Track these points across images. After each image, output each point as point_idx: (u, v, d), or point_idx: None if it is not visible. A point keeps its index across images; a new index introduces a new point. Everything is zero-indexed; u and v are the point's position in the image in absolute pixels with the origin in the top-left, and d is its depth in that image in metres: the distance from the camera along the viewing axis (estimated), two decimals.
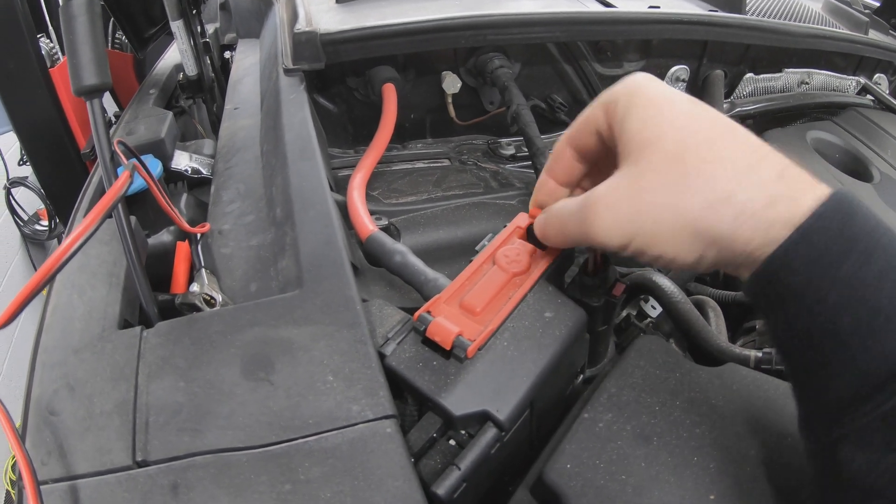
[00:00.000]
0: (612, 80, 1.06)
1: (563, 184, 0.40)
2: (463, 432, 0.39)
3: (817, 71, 1.19)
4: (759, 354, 0.55)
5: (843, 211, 0.28)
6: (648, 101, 0.32)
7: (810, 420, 0.31)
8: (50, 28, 1.38)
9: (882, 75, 1.28)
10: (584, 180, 0.40)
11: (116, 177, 0.43)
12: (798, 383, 0.31)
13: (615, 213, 0.32)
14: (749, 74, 1.13)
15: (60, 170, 1.23)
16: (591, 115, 0.36)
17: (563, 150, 0.39)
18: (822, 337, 0.28)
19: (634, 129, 0.32)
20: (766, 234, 0.28)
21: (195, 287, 0.52)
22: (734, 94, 1.14)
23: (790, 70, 1.16)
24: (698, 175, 0.29)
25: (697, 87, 1.09)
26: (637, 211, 0.31)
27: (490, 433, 0.38)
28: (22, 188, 1.89)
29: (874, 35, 1.25)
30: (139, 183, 0.51)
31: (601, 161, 0.38)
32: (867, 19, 1.23)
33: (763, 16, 1.12)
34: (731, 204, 0.29)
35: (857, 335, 0.27)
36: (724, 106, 1.07)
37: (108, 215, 0.38)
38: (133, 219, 0.52)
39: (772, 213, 0.28)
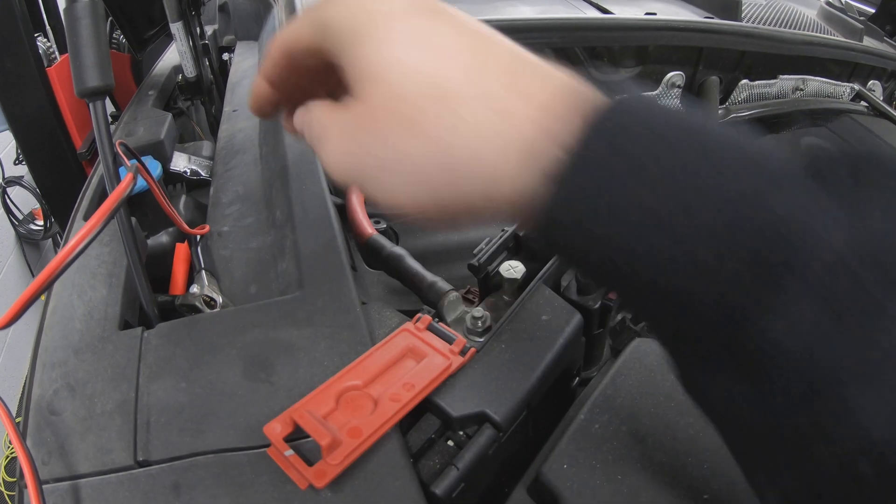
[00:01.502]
0: (608, 85, 1.06)
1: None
2: (461, 433, 0.39)
3: (812, 77, 1.20)
4: None
5: (614, 143, 0.22)
6: (381, 35, 0.25)
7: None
8: (47, 27, 1.37)
9: (876, 82, 1.30)
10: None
11: (117, 177, 0.43)
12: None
13: (339, 148, 0.27)
14: (744, 81, 1.14)
15: (56, 169, 1.23)
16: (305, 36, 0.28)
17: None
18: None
19: (363, 64, 0.25)
20: (527, 193, 0.23)
21: (195, 288, 0.52)
22: (729, 101, 1.15)
23: (785, 76, 1.17)
24: (432, 129, 0.23)
25: (693, 93, 1.10)
26: (362, 153, 0.26)
27: (487, 434, 0.38)
28: (17, 187, 1.89)
29: (868, 42, 1.26)
30: (139, 184, 0.51)
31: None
32: (862, 26, 1.25)
33: (758, 23, 1.14)
34: (475, 169, 0.23)
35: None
36: (720, 112, 1.08)
37: (112, 217, 0.39)
38: (133, 220, 0.53)
39: (530, 168, 0.23)
